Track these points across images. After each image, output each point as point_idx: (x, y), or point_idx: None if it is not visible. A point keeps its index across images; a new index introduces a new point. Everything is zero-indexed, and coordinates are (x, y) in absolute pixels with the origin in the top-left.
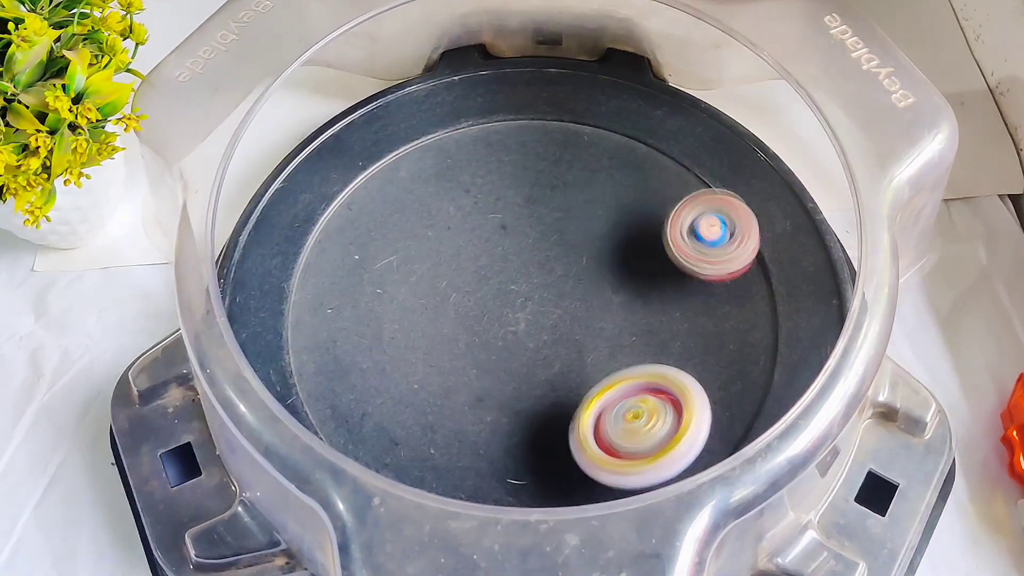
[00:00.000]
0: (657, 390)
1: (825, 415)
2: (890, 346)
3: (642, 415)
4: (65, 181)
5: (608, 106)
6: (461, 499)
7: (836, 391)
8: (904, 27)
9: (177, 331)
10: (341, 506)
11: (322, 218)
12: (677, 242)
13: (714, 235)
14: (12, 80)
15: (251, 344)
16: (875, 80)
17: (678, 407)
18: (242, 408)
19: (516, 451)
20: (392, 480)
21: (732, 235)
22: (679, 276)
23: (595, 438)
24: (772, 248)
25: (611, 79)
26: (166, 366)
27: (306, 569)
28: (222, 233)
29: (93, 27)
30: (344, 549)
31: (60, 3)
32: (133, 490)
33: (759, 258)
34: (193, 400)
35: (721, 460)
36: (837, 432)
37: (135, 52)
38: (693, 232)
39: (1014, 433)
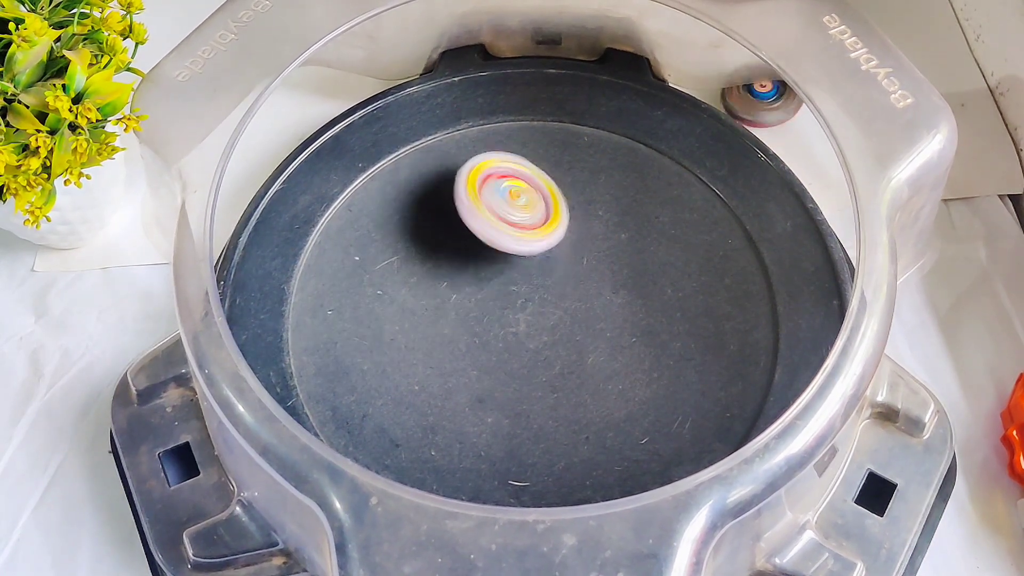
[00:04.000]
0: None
1: (823, 415)
2: (889, 346)
3: (520, 195)
4: (65, 181)
5: (608, 107)
6: (462, 500)
7: (834, 390)
8: (904, 27)
9: (177, 332)
10: (338, 506)
11: (322, 219)
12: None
13: (767, 90)
14: (12, 80)
15: (251, 346)
16: (874, 80)
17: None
18: (240, 408)
19: (517, 452)
20: (389, 480)
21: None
22: (679, 276)
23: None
24: (772, 248)
25: (611, 79)
26: (165, 366)
27: (304, 569)
28: (222, 234)
29: (93, 27)
30: (341, 549)
31: (60, 3)
32: (132, 490)
33: (759, 258)
34: (192, 400)
35: (720, 460)
36: (835, 432)
37: (135, 52)
38: (748, 88)
39: (1014, 433)
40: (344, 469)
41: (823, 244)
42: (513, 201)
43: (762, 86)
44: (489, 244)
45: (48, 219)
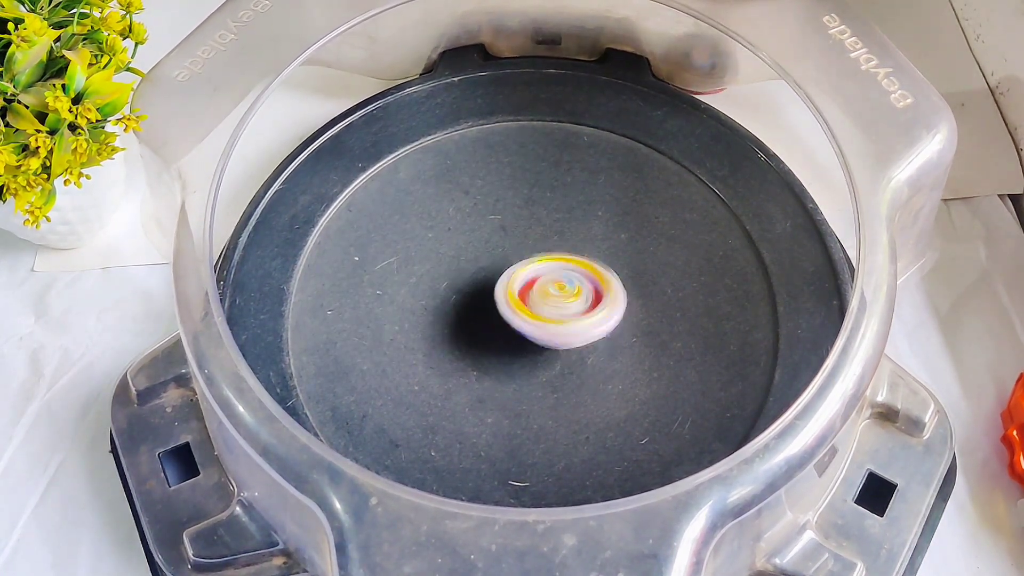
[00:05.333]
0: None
1: (823, 415)
2: (890, 346)
3: (565, 287)
4: (65, 181)
5: (608, 106)
6: (462, 500)
7: (834, 391)
8: (904, 27)
9: (177, 332)
10: (338, 506)
11: (322, 219)
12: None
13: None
14: (12, 80)
15: (251, 346)
16: (874, 80)
17: (598, 292)
18: (240, 408)
19: (517, 452)
20: (389, 480)
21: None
22: (679, 276)
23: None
24: (772, 248)
25: (610, 79)
26: (165, 366)
27: (304, 570)
28: (222, 234)
29: (93, 27)
30: (341, 549)
31: (60, 3)
32: (132, 490)
33: (759, 258)
34: (192, 400)
35: (720, 460)
36: (835, 432)
37: (135, 52)
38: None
39: (1014, 433)
40: (344, 469)
41: (823, 244)
42: (559, 293)
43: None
44: (548, 345)
45: (48, 219)
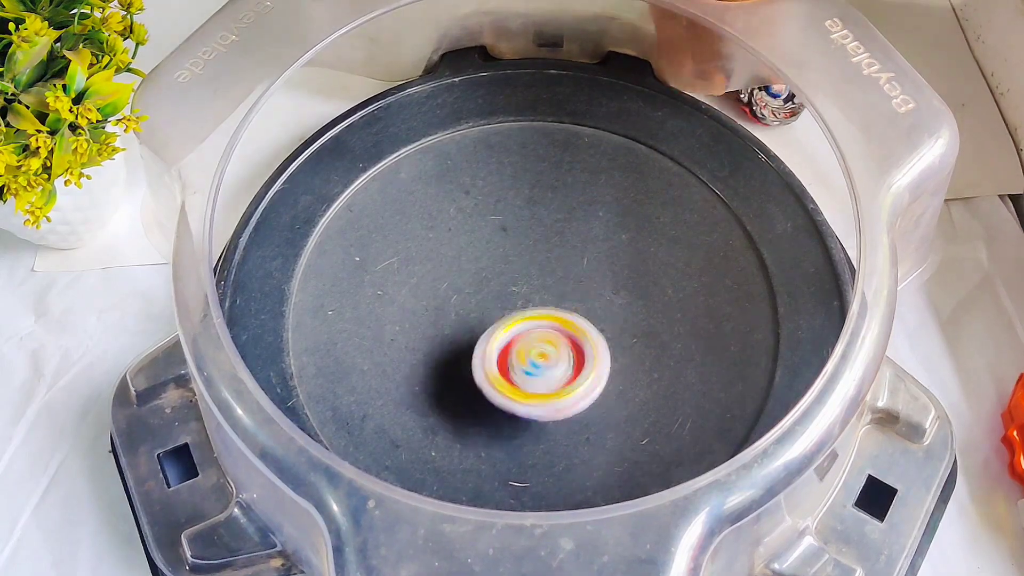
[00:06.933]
0: (562, 332)
1: (823, 419)
2: (891, 347)
3: (548, 357)
4: (65, 181)
5: (608, 107)
6: (462, 501)
7: (834, 395)
8: (904, 28)
9: (176, 333)
10: (336, 508)
11: (322, 220)
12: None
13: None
14: (12, 80)
15: (251, 346)
16: (876, 85)
17: (579, 353)
18: (238, 411)
19: (518, 453)
20: (387, 483)
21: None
22: (680, 277)
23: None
24: (773, 249)
25: (611, 80)
26: (164, 367)
27: (302, 571)
28: (222, 235)
29: (93, 27)
30: (338, 552)
31: (60, 3)
32: (131, 490)
33: (760, 259)
34: (191, 401)
35: (723, 462)
36: (835, 437)
37: (135, 52)
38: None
39: (1014, 433)
40: (342, 472)
41: (824, 245)
42: (538, 361)
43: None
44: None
45: (48, 219)
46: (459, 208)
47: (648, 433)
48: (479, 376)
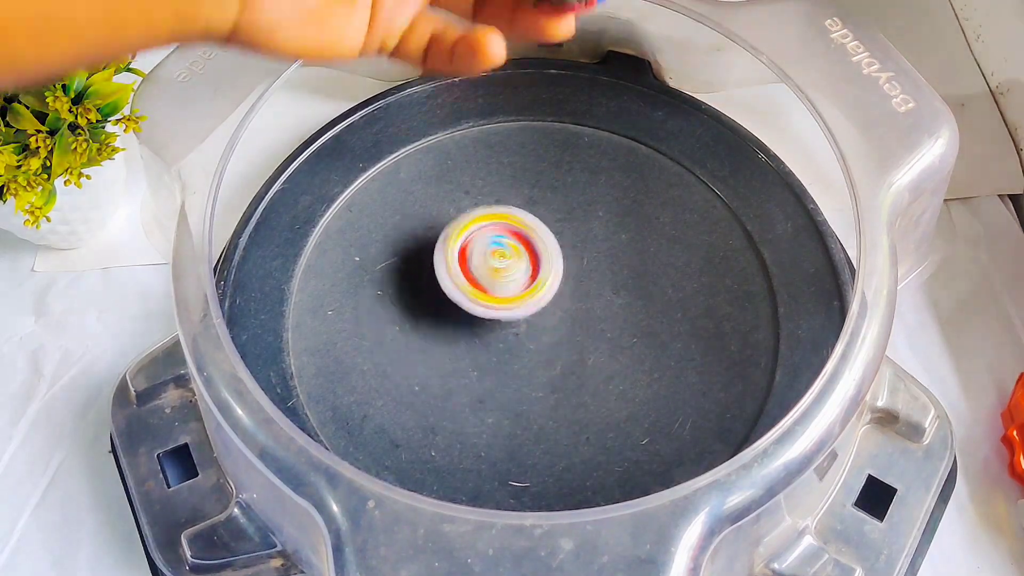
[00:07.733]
0: (514, 231)
1: (823, 419)
2: (890, 347)
3: (508, 256)
4: (65, 181)
5: (608, 107)
6: (462, 501)
7: (834, 395)
8: (904, 27)
9: (176, 333)
10: (335, 508)
11: (322, 220)
12: None
13: None
14: None
15: (251, 346)
16: (875, 84)
17: (532, 249)
18: (238, 411)
19: (517, 453)
20: (386, 483)
21: None
22: (680, 277)
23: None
24: (773, 249)
25: (611, 80)
26: (164, 367)
27: (302, 571)
28: (222, 235)
29: None
30: (338, 552)
31: None
32: (131, 490)
33: (760, 259)
34: (191, 401)
35: (723, 462)
36: (834, 437)
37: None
38: None
39: (1014, 433)
40: (341, 472)
41: (824, 245)
42: (495, 263)
43: None
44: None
45: (48, 219)
46: (459, 208)
47: (648, 433)
48: (446, 284)
